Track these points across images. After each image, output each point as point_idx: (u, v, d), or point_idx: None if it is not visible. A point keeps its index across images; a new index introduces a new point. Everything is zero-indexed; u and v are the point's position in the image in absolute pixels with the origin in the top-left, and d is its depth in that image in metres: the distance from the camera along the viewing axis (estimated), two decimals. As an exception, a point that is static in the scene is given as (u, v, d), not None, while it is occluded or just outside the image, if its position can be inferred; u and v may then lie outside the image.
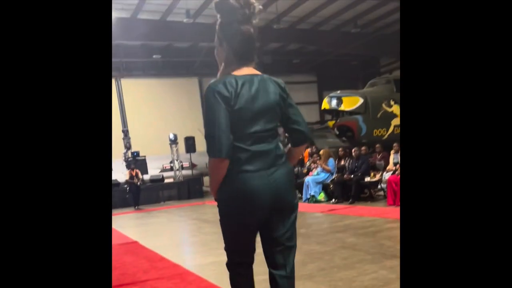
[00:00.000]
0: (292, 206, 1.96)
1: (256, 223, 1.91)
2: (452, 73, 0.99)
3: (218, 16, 1.92)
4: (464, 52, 0.99)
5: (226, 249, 2.03)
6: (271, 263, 1.98)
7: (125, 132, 15.96)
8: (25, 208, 0.69)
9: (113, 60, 18.40)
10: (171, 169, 16.97)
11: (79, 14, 0.77)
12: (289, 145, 2.09)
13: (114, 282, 4.30)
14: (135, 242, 6.65)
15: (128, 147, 15.67)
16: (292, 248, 1.99)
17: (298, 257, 4.52)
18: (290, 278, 1.98)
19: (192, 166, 17.37)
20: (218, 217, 1.95)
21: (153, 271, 4.64)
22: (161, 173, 16.64)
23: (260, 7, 1.92)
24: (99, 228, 0.73)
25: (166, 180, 16.37)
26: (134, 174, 13.73)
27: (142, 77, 19.27)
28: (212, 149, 1.81)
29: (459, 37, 0.98)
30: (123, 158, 15.96)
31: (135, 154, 15.59)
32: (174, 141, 16.53)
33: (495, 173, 0.95)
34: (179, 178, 16.57)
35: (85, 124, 0.75)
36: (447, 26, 0.99)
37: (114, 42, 16.67)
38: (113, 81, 19.07)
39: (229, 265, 2.05)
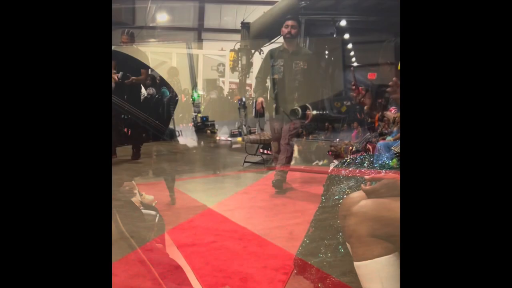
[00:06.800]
0: None
1: None
2: (453, 64, 1.02)
3: None
4: (463, 43, 1.02)
5: None
6: None
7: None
8: (20, 205, 0.61)
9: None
10: (239, 134, 17.09)
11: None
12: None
13: (185, 240, 4.38)
14: (203, 205, 6.78)
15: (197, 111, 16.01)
16: None
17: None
18: None
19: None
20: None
21: (222, 234, 4.68)
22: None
23: None
24: (98, 221, 0.64)
25: (235, 146, 16.51)
26: None
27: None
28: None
29: (458, 29, 1.02)
30: (192, 123, 16.38)
31: (204, 119, 15.97)
32: (243, 105, 16.46)
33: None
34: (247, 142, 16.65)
35: (83, 115, 0.66)
36: (449, 18, 1.03)
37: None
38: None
39: None
